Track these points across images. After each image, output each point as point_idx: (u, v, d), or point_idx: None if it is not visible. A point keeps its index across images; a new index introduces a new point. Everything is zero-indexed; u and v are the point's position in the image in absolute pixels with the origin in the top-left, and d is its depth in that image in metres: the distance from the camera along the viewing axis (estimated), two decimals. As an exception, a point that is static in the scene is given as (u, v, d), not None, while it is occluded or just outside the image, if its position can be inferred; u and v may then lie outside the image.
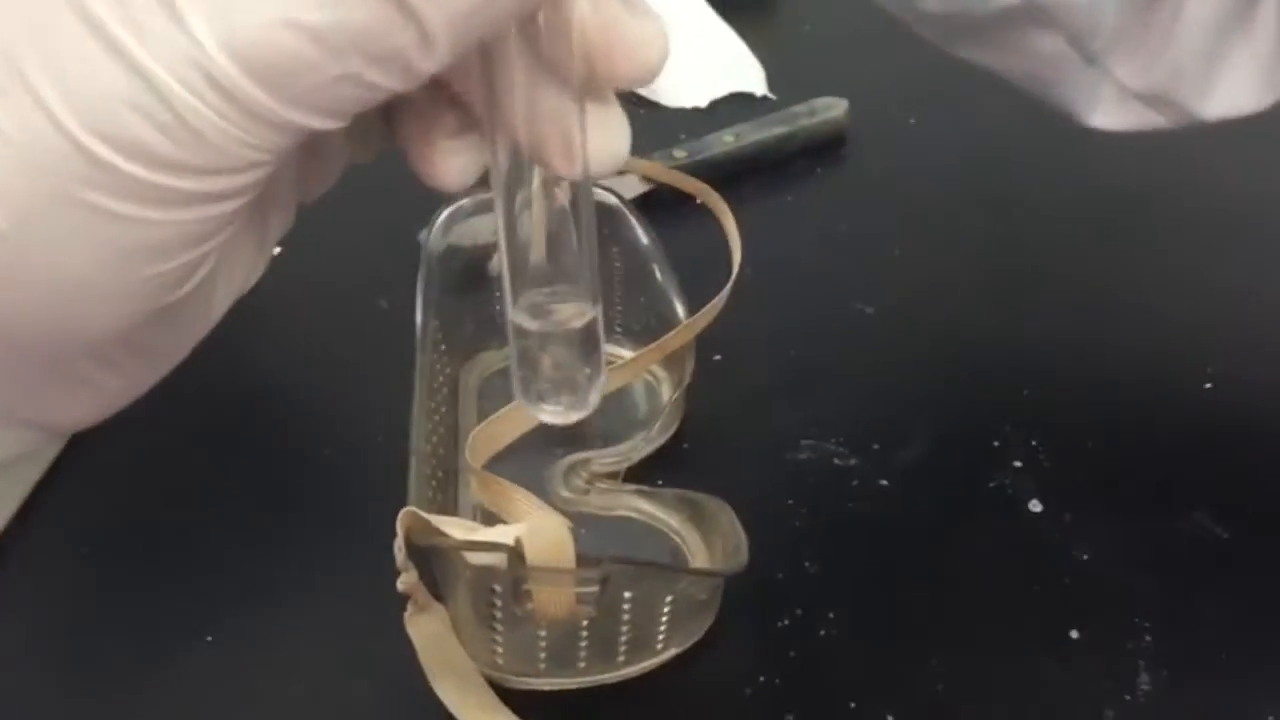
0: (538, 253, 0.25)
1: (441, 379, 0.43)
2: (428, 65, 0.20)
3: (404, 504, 0.33)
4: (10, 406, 0.24)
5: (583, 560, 0.30)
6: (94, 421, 0.26)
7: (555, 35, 0.22)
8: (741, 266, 0.44)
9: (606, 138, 0.24)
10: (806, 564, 0.39)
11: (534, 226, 0.25)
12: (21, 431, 0.25)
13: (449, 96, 0.25)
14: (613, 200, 0.45)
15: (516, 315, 0.25)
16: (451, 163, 0.25)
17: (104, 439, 0.42)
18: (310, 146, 0.27)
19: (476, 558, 0.32)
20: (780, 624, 0.37)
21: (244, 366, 0.47)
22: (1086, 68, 0.38)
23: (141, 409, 0.28)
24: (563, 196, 0.25)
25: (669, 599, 0.34)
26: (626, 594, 0.33)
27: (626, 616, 0.33)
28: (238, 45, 0.19)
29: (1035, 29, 0.38)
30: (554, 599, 0.31)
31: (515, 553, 0.30)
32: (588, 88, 0.23)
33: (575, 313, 0.25)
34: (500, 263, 0.25)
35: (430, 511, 0.38)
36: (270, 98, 0.20)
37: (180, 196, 0.21)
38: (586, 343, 0.26)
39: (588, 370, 0.26)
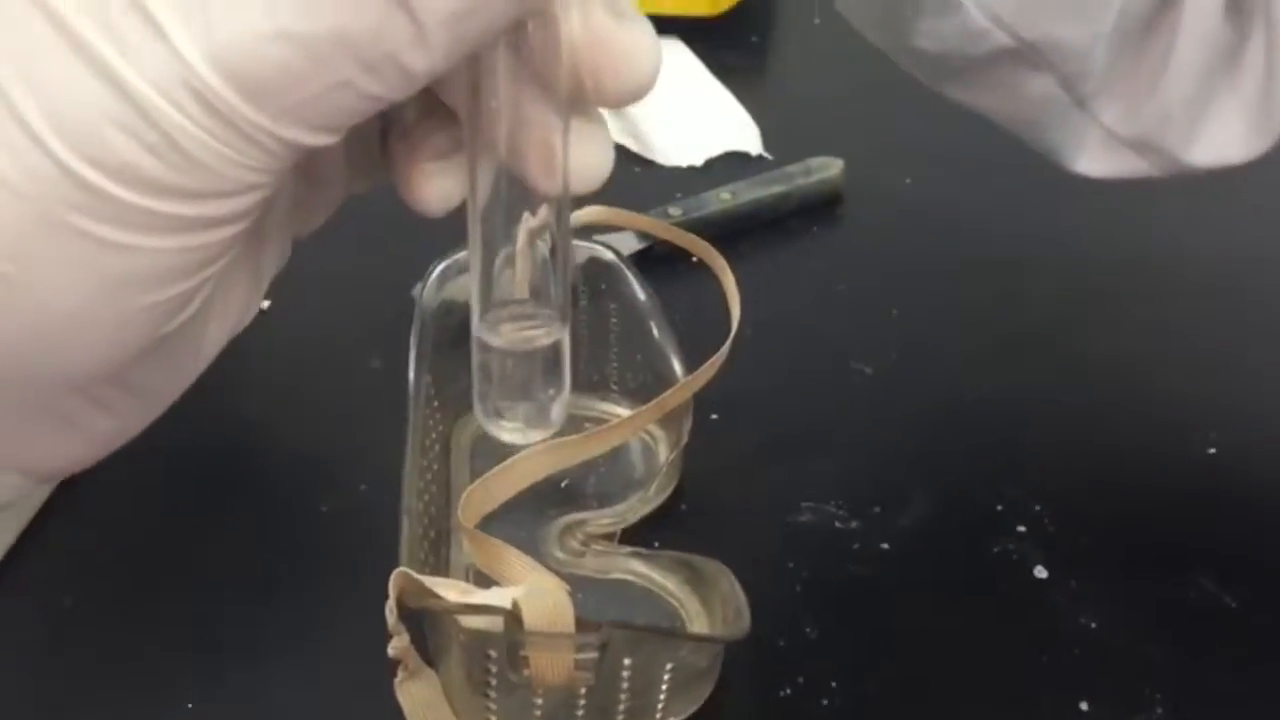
0: (520, 293, 0.25)
1: (434, 436, 0.42)
2: (422, 67, 0.20)
3: (396, 564, 0.32)
4: (4, 445, 0.23)
5: (582, 625, 0.29)
6: (80, 467, 0.24)
7: (544, 46, 0.22)
8: (740, 325, 0.43)
9: (590, 153, 0.24)
10: (807, 630, 0.38)
11: (517, 278, 0.25)
12: (5, 478, 0.24)
13: (436, 118, 0.24)
14: (610, 256, 0.44)
15: (481, 330, 0.25)
16: (435, 184, 0.24)
17: (89, 492, 0.41)
18: (307, 173, 0.26)
19: (471, 621, 0.31)
20: (782, 693, 0.36)
21: (232, 422, 0.45)
22: (1076, 111, 0.38)
23: (128, 464, 0.27)
24: (545, 249, 0.24)
25: (669, 666, 0.32)
26: (626, 660, 0.31)
27: (626, 684, 0.32)
28: (225, 59, 0.19)
29: (1027, 70, 0.37)
30: (552, 665, 0.30)
31: (513, 617, 0.29)
32: (574, 102, 0.23)
33: (543, 333, 0.25)
34: (469, 279, 0.25)
35: (422, 572, 0.37)
36: (261, 113, 0.19)
37: (174, 222, 0.20)
38: (552, 362, 0.25)
39: (551, 390, 0.26)
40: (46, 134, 0.19)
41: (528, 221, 0.23)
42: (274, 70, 0.19)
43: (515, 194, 0.23)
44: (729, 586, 0.35)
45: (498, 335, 0.25)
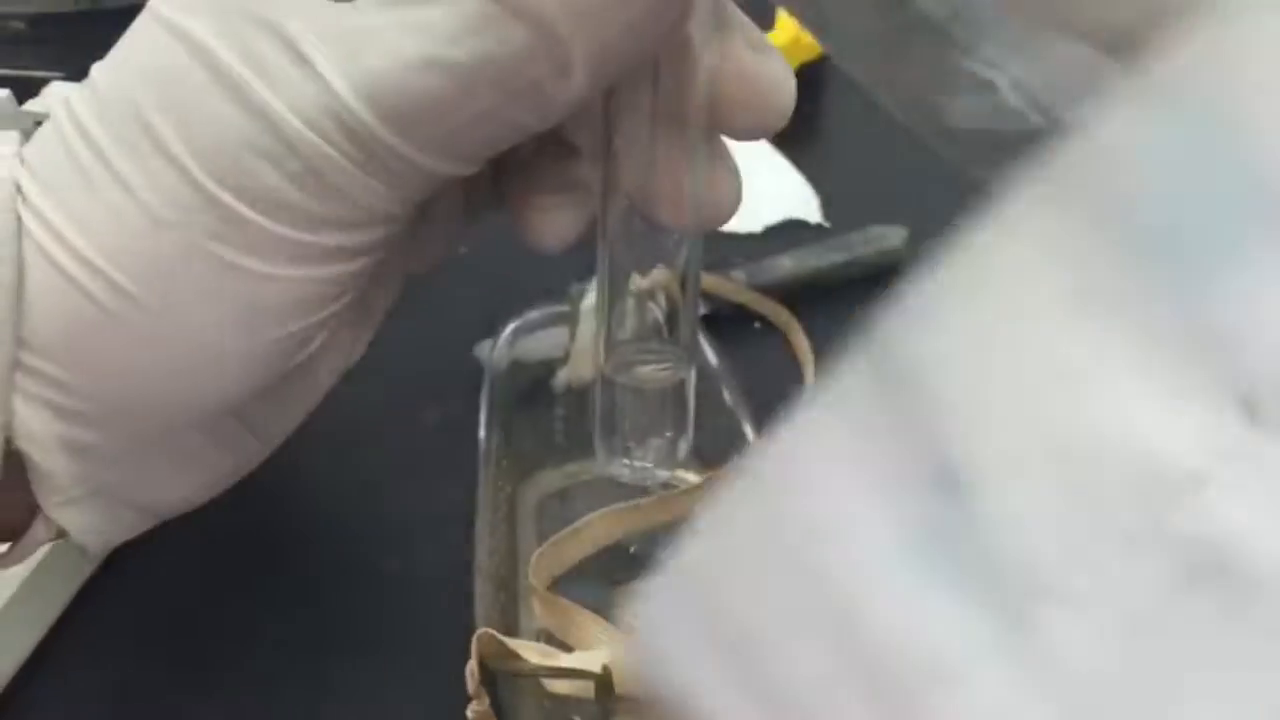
0: (645, 332, 0.25)
1: (501, 497, 0.41)
2: (567, 96, 0.19)
3: (461, 626, 0.31)
4: (117, 483, 0.22)
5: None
6: (196, 503, 0.24)
7: (682, 78, 0.21)
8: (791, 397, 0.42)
9: (722, 187, 0.23)
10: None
11: (646, 317, 0.24)
12: (117, 513, 0.23)
13: (553, 153, 0.24)
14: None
15: (608, 369, 0.24)
16: (551, 219, 0.24)
17: (144, 553, 0.40)
18: (425, 209, 0.25)
19: (557, 686, 0.30)
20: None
21: (288, 481, 0.45)
22: None
23: (181, 525, 0.26)
24: (675, 285, 0.24)
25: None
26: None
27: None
28: (372, 89, 0.18)
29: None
30: (644, 734, 0.29)
31: (603, 681, 0.28)
32: (706, 137, 0.22)
33: (670, 371, 0.24)
34: (596, 320, 0.25)
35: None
36: (407, 143, 0.19)
37: (312, 251, 0.19)
38: (679, 400, 0.25)
39: (677, 429, 0.25)
40: (189, 162, 0.19)
41: (658, 260, 0.23)
42: (422, 99, 0.18)
43: (644, 232, 0.23)
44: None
45: (625, 374, 0.24)
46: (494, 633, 0.30)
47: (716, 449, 0.43)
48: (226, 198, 0.19)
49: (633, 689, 0.28)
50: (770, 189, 0.64)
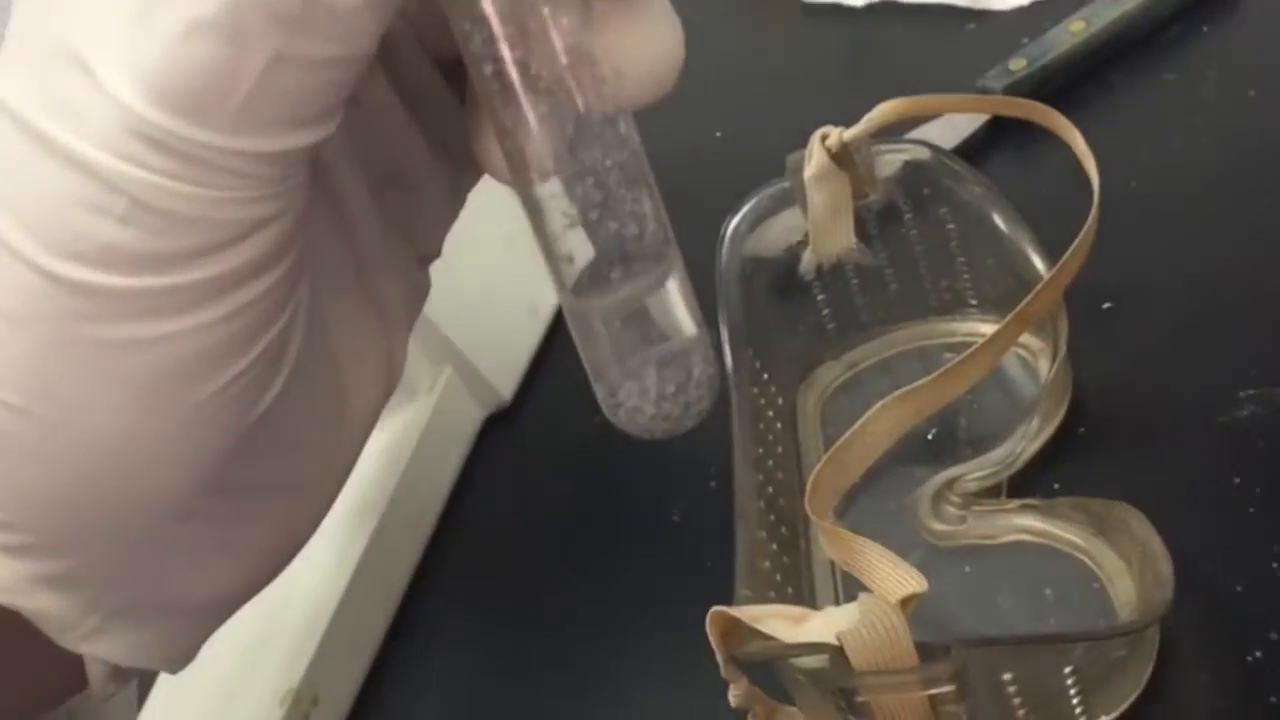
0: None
1: (772, 413, 0.37)
2: (352, 3, 0.16)
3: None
4: (130, 598, 0.20)
5: (926, 651, 0.23)
6: (257, 588, 0.22)
7: None
8: (1107, 187, 0.34)
9: (638, 41, 0.18)
10: (1275, 565, 0.29)
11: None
12: (158, 624, 0.21)
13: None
14: (924, 155, 0.37)
15: (567, 298, 0.20)
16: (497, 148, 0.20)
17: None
18: (395, 183, 0.22)
19: (805, 661, 0.26)
20: (1250, 658, 0.28)
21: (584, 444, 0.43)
22: None
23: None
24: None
25: (1068, 670, 0.25)
26: (1006, 676, 0.25)
27: (1017, 700, 0.25)
28: (154, 84, 0.15)
29: None
30: (902, 707, 0.24)
31: (839, 653, 0.24)
32: None
33: (645, 284, 0.20)
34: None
35: (775, 582, 0.32)
36: (209, 131, 0.16)
37: (190, 293, 0.17)
38: (665, 315, 0.20)
39: (674, 337, 0.20)
40: (24, 244, 0.16)
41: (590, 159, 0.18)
42: (202, 71, 0.15)
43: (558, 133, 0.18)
44: (1145, 534, 0.28)
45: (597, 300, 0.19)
46: (726, 610, 0.26)
47: (1005, 291, 0.36)
48: (68, 269, 0.16)
49: (869, 660, 0.23)
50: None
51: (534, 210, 0.20)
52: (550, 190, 0.20)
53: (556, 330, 0.47)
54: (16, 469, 0.18)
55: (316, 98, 0.17)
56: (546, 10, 0.18)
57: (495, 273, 0.44)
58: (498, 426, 0.45)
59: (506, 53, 0.19)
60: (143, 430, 0.18)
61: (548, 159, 0.19)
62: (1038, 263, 0.35)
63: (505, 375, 0.45)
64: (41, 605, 0.19)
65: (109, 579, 0.20)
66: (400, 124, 0.22)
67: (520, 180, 0.20)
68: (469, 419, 0.44)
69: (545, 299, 0.46)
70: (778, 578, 0.32)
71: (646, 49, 0.18)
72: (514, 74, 0.19)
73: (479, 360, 0.44)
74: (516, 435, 0.45)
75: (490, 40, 0.19)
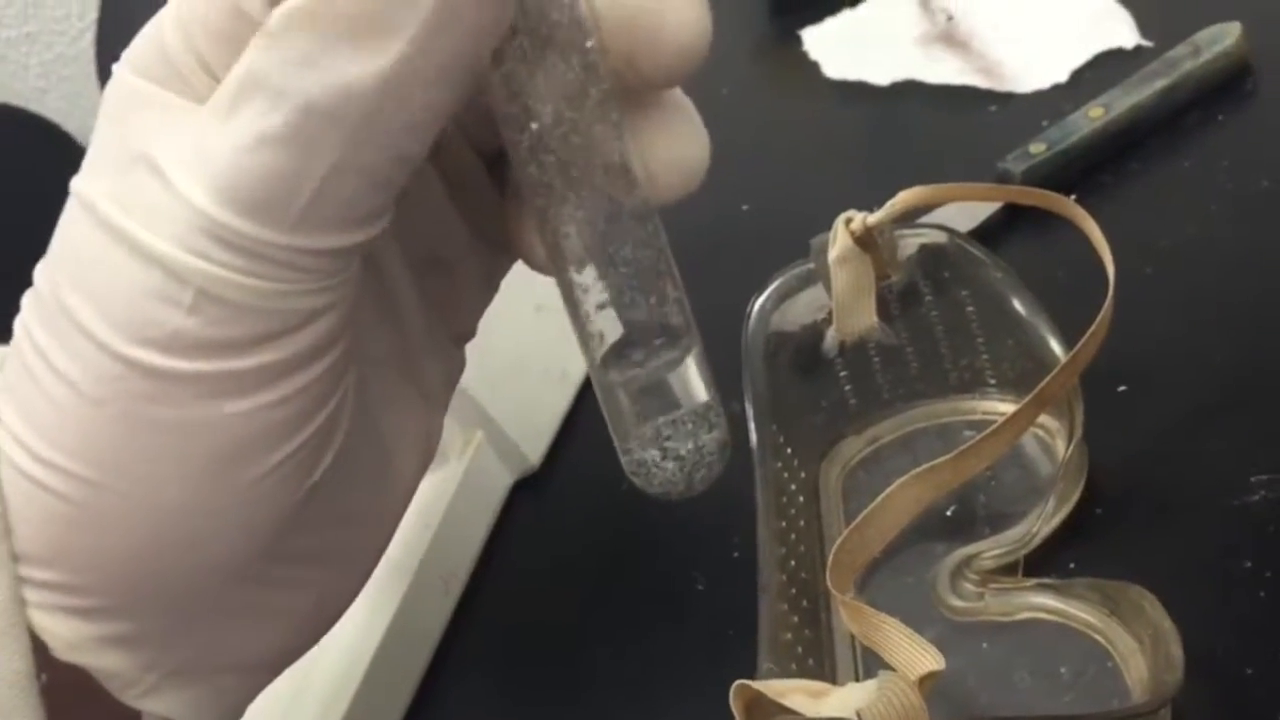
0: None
1: (795, 486, 0.38)
2: (407, 118, 0.18)
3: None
4: (187, 658, 0.22)
5: (944, 731, 0.24)
6: (303, 650, 0.23)
7: (567, 42, 0.18)
8: (1124, 271, 0.35)
9: (668, 148, 0.20)
10: (1284, 649, 0.30)
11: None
12: (212, 683, 0.22)
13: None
14: (943, 239, 0.38)
15: (603, 374, 0.21)
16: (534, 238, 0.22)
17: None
18: (434, 267, 0.23)
19: (827, 734, 0.26)
20: (1259, 742, 0.28)
21: (602, 505, 0.44)
22: None
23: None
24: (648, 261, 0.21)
25: (1082, 750, 0.26)
26: (1021, 755, 0.26)
27: (1032, 778, 0.26)
28: (224, 186, 0.17)
29: None
30: (919, 783, 0.25)
31: (859, 730, 0.25)
32: (626, 94, 0.19)
33: (666, 360, 0.22)
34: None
35: (796, 654, 0.33)
36: (272, 230, 0.17)
37: (251, 377, 0.18)
38: (684, 387, 0.21)
39: (692, 406, 0.22)
40: (99, 329, 0.18)
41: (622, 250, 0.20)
42: (266, 177, 0.17)
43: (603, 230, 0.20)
44: (1157, 618, 0.29)
45: (621, 374, 0.21)
46: (749, 683, 0.27)
47: (1022, 372, 0.38)
48: (140, 354, 0.18)
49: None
50: (1071, 23, 0.55)
51: (568, 293, 0.22)
52: (584, 277, 0.21)
53: (585, 395, 0.48)
54: (87, 538, 0.19)
55: (372, 199, 0.18)
56: (589, 120, 0.20)
57: (526, 340, 0.46)
58: (526, 489, 0.46)
59: (552, 157, 0.20)
60: (204, 504, 0.19)
61: (583, 250, 0.21)
62: (1055, 345, 0.36)
63: (534, 441, 0.46)
64: (106, 664, 0.21)
65: (168, 640, 0.21)
66: (444, 212, 0.24)
67: (557, 268, 0.22)
68: (498, 483, 0.45)
69: (575, 365, 0.48)
70: (799, 650, 0.33)
71: (676, 154, 0.20)
72: (557, 175, 0.20)
73: (509, 426, 0.45)
74: (544, 499, 0.46)
75: (537, 145, 0.20)
